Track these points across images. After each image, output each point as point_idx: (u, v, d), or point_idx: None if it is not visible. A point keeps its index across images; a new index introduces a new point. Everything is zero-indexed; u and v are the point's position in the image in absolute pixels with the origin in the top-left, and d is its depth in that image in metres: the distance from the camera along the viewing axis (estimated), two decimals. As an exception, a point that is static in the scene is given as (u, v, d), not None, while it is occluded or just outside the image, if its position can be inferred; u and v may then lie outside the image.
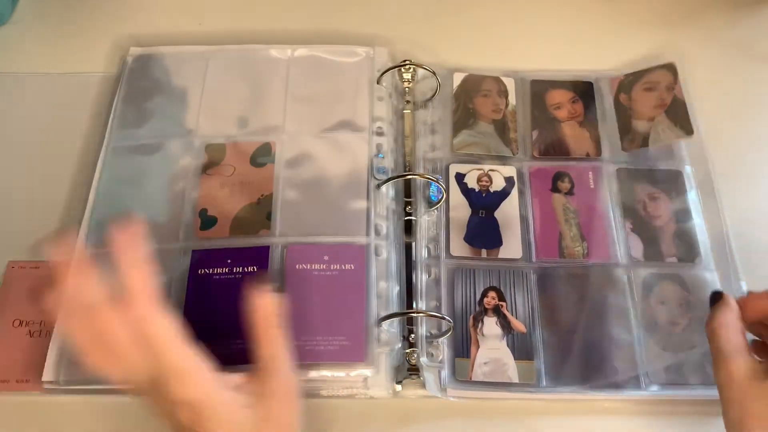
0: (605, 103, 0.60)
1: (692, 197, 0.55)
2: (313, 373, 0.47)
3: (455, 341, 0.49)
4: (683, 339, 0.48)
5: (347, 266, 0.50)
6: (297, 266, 0.50)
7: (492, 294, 0.50)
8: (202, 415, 0.36)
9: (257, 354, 0.39)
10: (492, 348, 0.48)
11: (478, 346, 0.49)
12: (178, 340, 0.38)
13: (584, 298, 0.50)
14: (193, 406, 0.36)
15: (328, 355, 0.47)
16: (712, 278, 0.51)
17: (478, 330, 0.49)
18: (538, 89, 0.60)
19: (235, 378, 0.39)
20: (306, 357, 0.46)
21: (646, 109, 0.58)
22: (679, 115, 0.57)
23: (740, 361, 0.38)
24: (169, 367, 0.37)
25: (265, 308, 0.40)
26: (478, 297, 0.50)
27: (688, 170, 0.56)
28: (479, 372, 0.48)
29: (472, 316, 0.50)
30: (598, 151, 0.57)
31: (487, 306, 0.50)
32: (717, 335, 0.40)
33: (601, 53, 0.64)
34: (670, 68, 0.60)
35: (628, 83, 0.60)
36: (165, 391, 0.36)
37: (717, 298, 0.42)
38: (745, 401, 0.37)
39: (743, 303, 0.42)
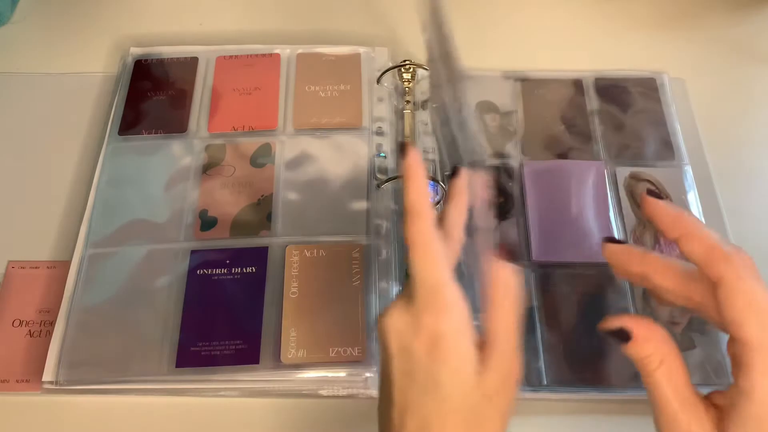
0: (593, 103, 0.60)
1: (692, 197, 0.55)
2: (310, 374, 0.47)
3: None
4: (683, 339, 0.48)
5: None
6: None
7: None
8: (442, 349, 0.33)
9: (486, 326, 0.35)
10: None
11: None
12: (448, 268, 0.35)
13: (585, 298, 0.50)
14: (438, 338, 0.33)
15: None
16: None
17: None
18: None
19: (479, 336, 0.35)
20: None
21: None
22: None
23: (685, 418, 0.33)
24: (433, 289, 0.34)
25: (507, 278, 0.36)
26: None
27: (687, 170, 0.56)
28: None
29: None
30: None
31: None
32: (650, 378, 0.35)
33: (601, 53, 0.64)
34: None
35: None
36: (422, 312, 0.34)
37: (620, 336, 0.35)
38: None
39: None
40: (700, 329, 0.48)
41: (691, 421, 0.33)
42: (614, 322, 0.35)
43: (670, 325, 0.49)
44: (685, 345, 0.48)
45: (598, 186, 0.55)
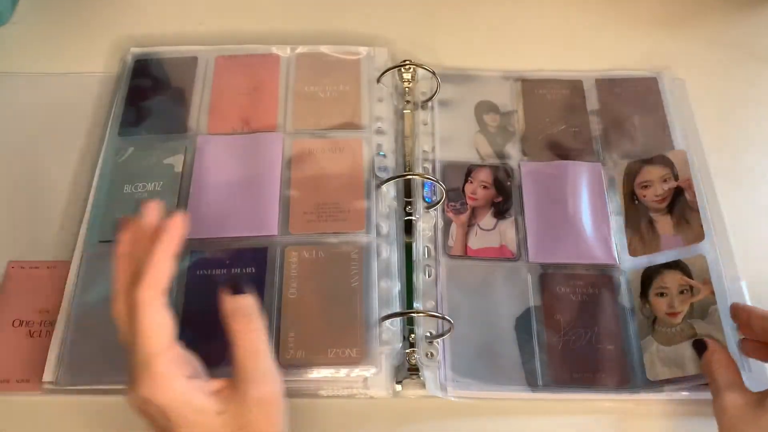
0: (593, 103, 0.60)
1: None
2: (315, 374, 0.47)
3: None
4: (684, 328, 0.48)
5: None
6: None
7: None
8: (171, 419, 0.36)
9: (233, 357, 0.38)
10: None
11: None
12: (162, 337, 0.37)
13: (582, 298, 0.50)
14: (162, 409, 0.36)
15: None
16: (714, 258, 0.51)
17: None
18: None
19: (214, 383, 0.38)
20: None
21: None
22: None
23: (734, 395, 0.42)
24: (145, 363, 0.36)
25: (241, 308, 0.39)
26: None
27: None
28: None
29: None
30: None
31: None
32: (711, 373, 0.44)
33: (601, 53, 0.64)
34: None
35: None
36: (138, 386, 0.36)
37: (702, 347, 0.45)
38: (737, 428, 0.41)
39: (747, 318, 0.45)
40: (701, 314, 0.48)
41: (732, 394, 0.42)
42: (701, 340, 0.46)
43: (669, 316, 0.49)
44: (685, 334, 0.48)
45: (595, 187, 0.55)
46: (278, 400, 0.37)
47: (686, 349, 0.47)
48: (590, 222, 0.53)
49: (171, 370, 0.36)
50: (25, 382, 0.47)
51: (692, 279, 0.49)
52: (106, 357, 0.47)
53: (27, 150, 0.58)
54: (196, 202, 0.53)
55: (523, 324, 0.50)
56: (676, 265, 0.50)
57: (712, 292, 0.48)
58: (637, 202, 0.54)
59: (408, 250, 0.52)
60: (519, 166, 0.56)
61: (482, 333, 0.49)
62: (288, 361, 0.47)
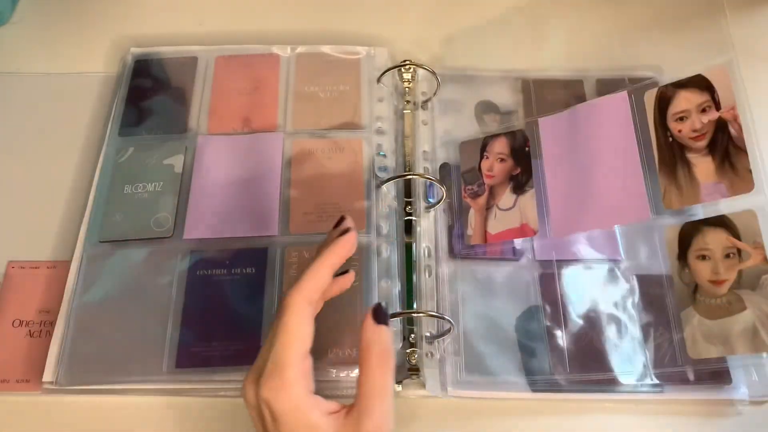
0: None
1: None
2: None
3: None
4: (731, 299, 0.41)
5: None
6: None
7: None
8: (281, 427, 0.36)
9: (359, 383, 0.37)
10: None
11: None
12: (300, 346, 0.37)
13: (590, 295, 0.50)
14: (278, 415, 0.36)
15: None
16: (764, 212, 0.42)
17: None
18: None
19: (332, 405, 0.37)
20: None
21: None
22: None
23: None
24: (279, 366, 0.36)
25: (381, 342, 0.38)
26: None
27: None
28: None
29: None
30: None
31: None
32: None
33: (600, 53, 0.64)
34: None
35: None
36: (263, 386, 0.36)
37: None
38: None
39: None
40: (750, 284, 0.41)
41: None
42: None
43: (712, 285, 0.42)
44: (734, 307, 0.41)
45: (623, 127, 0.47)
46: None
47: (734, 324, 0.39)
48: (620, 175, 0.47)
49: (300, 381, 0.36)
50: (25, 382, 0.47)
51: (740, 240, 0.41)
52: (106, 357, 0.47)
53: (27, 150, 0.58)
54: (196, 202, 0.53)
55: (523, 324, 0.50)
56: (721, 222, 0.42)
57: (765, 259, 0.41)
58: (671, 139, 0.46)
59: (408, 250, 0.52)
60: (536, 125, 0.54)
61: (483, 333, 0.49)
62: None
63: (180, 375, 0.47)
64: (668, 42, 0.65)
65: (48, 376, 0.46)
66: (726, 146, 0.43)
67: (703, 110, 0.44)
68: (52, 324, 0.48)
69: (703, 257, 0.43)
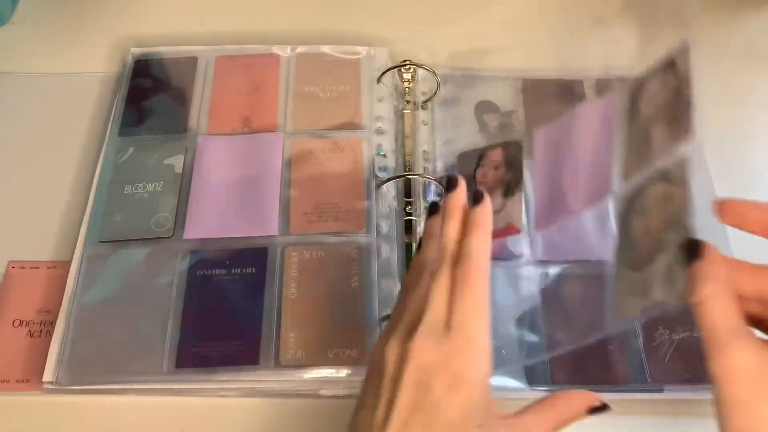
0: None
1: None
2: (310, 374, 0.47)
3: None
4: (651, 243, 0.37)
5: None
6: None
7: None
8: (460, 391, 0.32)
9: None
10: None
11: None
12: (486, 314, 0.35)
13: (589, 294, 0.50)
14: (463, 382, 0.32)
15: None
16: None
17: None
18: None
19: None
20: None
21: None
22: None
23: (744, 348, 0.28)
24: (476, 337, 0.34)
25: (481, 213, 0.37)
26: None
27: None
28: None
29: None
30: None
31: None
32: (706, 312, 0.29)
33: (599, 54, 0.64)
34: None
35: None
36: (452, 350, 0.33)
37: (695, 249, 0.31)
38: (754, 403, 0.28)
39: (736, 274, 0.32)
40: (674, 225, 0.37)
41: (743, 347, 0.28)
42: (698, 240, 0.32)
43: (643, 237, 0.39)
44: (654, 253, 0.36)
45: (606, 126, 0.47)
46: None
47: (655, 270, 0.34)
48: (593, 162, 0.48)
49: (489, 351, 0.34)
50: (25, 382, 0.47)
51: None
52: (106, 357, 0.47)
53: (27, 150, 0.58)
54: (196, 202, 0.53)
55: (524, 323, 0.50)
56: (662, 177, 0.38)
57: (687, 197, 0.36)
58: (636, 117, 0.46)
59: (408, 250, 0.52)
60: (533, 135, 0.54)
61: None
62: (288, 361, 0.47)
63: (180, 375, 0.46)
64: (668, 42, 0.65)
65: (48, 376, 0.46)
66: (677, 106, 0.41)
67: (667, 86, 0.44)
68: (52, 324, 0.48)
69: (643, 213, 0.39)
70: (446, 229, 0.38)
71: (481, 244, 0.36)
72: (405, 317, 0.35)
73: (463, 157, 0.56)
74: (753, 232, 0.34)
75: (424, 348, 0.33)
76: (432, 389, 0.32)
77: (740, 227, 0.34)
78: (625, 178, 0.41)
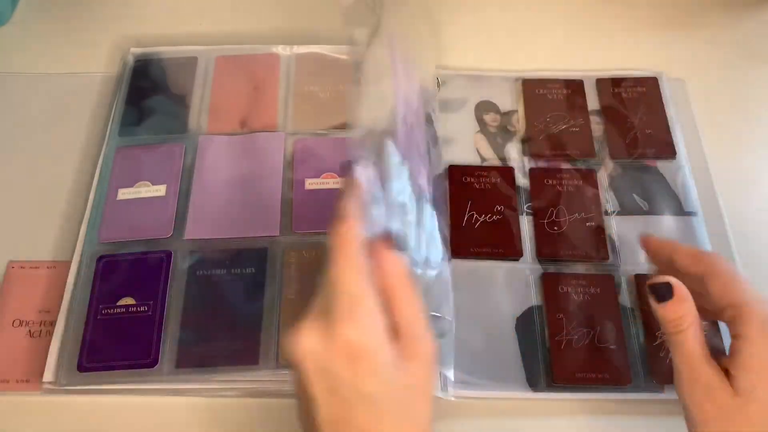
0: (593, 103, 0.60)
1: (692, 197, 0.55)
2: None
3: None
4: None
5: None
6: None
7: None
8: (361, 362, 0.32)
9: (392, 320, 0.34)
10: None
11: None
12: (369, 285, 0.34)
13: (586, 297, 0.50)
14: (359, 351, 0.32)
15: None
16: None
17: None
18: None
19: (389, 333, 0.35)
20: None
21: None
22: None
23: (708, 371, 0.38)
24: (353, 302, 0.33)
25: (396, 268, 0.35)
26: None
27: (687, 170, 0.56)
28: None
29: None
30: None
31: None
32: (679, 336, 0.39)
33: (601, 53, 0.64)
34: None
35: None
36: (340, 326, 0.32)
37: (667, 292, 0.39)
38: (724, 420, 0.37)
39: (668, 255, 0.42)
40: None
41: (711, 372, 0.38)
42: (663, 278, 0.39)
43: None
44: None
45: None
46: (435, 362, 0.36)
47: None
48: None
49: (375, 312, 0.33)
50: (25, 382, 0.47)
51: None
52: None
53: (27, 150, 0.58)
54: (196, 202, 0.53)
55: (524, 324, 0.50)
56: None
57: None
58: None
59: (408, 250, 0.52)
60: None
61: (483, 333, 0.49)
62: (288, 361, 0.47)
63: (180, 375, 0.46)
64: (668, 42, 0.65)
65: (48, 376, 0.46)
66: None
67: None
68: (52, 324, 0.48)
69: None
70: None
71: (348, 201, 0.36)
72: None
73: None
74: (662, 265, 0.43)
75: (305, 336, 0.33)
76: (332, 370, 0.32)
77: (655, 262, 0.44)
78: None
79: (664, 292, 0.39)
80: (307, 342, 0.33)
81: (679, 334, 0.38)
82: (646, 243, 0.44)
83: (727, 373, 0.38)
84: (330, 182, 0.54)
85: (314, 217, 0.52)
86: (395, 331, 0.34)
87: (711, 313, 0.40)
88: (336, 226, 0.35)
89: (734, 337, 0.38)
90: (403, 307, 0.35)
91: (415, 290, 0.36)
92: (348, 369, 0.32)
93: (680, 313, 0.38)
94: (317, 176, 0.54)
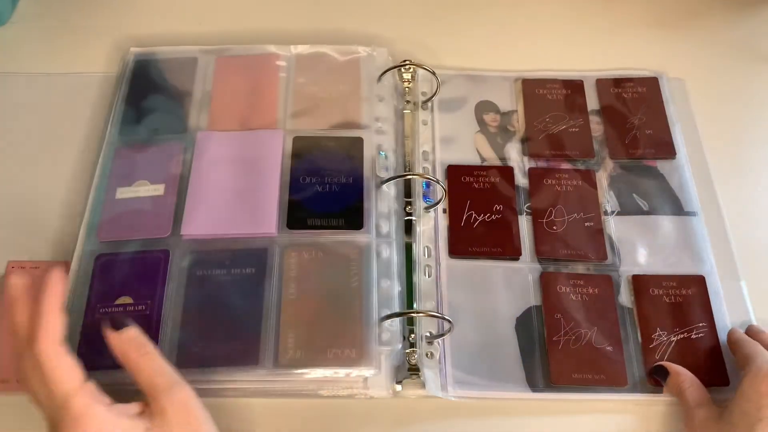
0: (593, 103, 0.60)
1: (692, 197, 0.55)
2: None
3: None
4: None
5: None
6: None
7: None
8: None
9: (138, 384, 0.40)
10: None
11: None
12: (74, 377, 0.38)
13: (584, 297, 0.50)
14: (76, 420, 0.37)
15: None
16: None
17: None
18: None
19: (133, 407, 0.39)
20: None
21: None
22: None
23: (701, 412, 0.45)
24: (64, 404, 0.37)
25: (132, 339, 0.41)
26: None
27: (687, 169, 0.56)
28: None
29: None
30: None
31: None
32: (682, 393, 0.46)
33: (601, 53, 0.64)
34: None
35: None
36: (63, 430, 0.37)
37: (663, 372, 0.47)
38: None
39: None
40: None
41: (707, 415, 0.45)
42: (660, 365, 0.48)
43: None
44: None
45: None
46: (193, 400, 0.40)
47: None
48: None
49: (91, 404, 0.37)
50: (25, 382, 0.47)
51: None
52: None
53: (27, 150, 0.58)
54: (193, 199, 0.53)
55: (523, 324, 0.50)
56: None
57: None
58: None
59: (408, 250, 0.52)
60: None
61: (482, 333, 0.49)
62: (287, 361, 0.47)
63: (180, 375, 0.46)
64: (668, 42, 0.65)
65: (48, 376, 0.46)
66: None
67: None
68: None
69: None
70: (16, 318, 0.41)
71: (21, 315, 0.40)
72: None
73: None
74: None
75: None
76: None
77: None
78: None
79: (661, 373, 0.47)
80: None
81: (681, 394, 0.46)
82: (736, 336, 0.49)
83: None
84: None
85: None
86: (145, 400, 0.39)
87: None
88: (36, 344, 0.38)
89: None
90: (143, 372, 0.40)
91: (150, 353, 0.40)
92: None
93: (679, 381, 0.47)
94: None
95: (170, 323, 0.48)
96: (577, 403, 0.48)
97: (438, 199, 0.54)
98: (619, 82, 0.61)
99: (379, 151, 0.56)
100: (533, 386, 0.47)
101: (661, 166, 0.57)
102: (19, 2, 0.66)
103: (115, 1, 0.67)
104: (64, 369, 0.38)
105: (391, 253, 0.52)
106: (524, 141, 0.58)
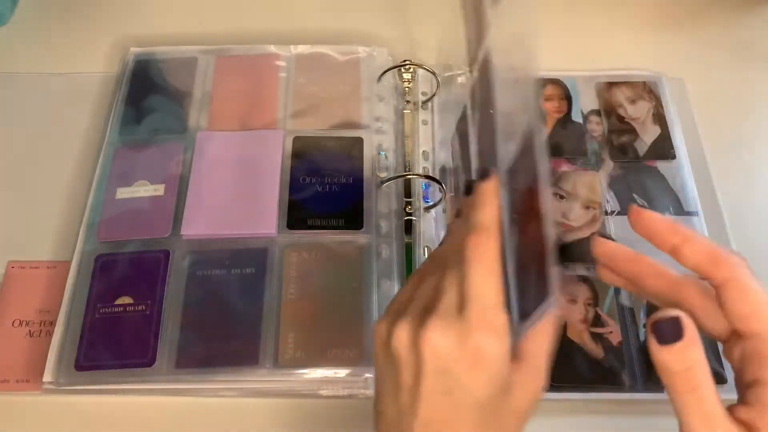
0: (592, 103, 0.60)
1: (691, 197, 0.55)
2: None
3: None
4: None
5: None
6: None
7: None
8: (481, 368, 0.31)
9: (523, 344, 0.33)
10: None
11: None
12: (497, 286, 0.33)
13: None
14: (483, 358, 0.31)
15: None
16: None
17: None
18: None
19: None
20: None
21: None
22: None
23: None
24: (494, 309, 0.32)
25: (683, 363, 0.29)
26: None
27: (687, 170, 0.56)
28: None
29: None
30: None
31: None
32: (693, 376, 0.30)
33: (601, 53, 0.64)
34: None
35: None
36: (470, 327, 0.31)
37: (670, 331, 0.29)
38: None
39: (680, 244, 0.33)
40: None
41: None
42: (669, 313, 0.30)
43: None
44: None
45: None
46: (537, 402, 0.34)
47: None
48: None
49: (507, 327, 0.32)
50: (25, 382, 0.47)
51: None
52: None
53: (27, 150, 0.58)
54: (193, 198, 0.53)
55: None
56: None
57: None
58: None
59: (408, 250, 0.52)
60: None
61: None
62: (287, 361, 0.47)
63: (180, 375, 0.46)
64: (668, 42, 0.65)
65: (48, 376, 0.46)
66: None
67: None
68: (52, 324, 0.48)
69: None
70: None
71: (489, 216, 0.34)
72: (417, 302, 0.35)
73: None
74: (661, 249, 0.34)
75: (438, 334, 0.32)
76: (453, 373, 0.32)
77: (650, 240, 0.34)
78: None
79: (671, 331, 0.29)
80: (441, 342, 0.32)
81: (693, 392, 0.29)
82: (641, 217, 0.34)
83: (747, 426, 0.29)
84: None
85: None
86: (517, 355, 0.33)
87: (708, 330, 0.33)
88: (478, 237, 0.33)
89: (755, 382, 0.30)
90: (535, 340, 0.33)
91: (553, 334, 0.33)
92: (468, 374, 0.32)
93: (689, 363, 0.29)
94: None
95: (170, 323, 0.48)
96: (578, 403, 0.48)
97: (438, 199, 0.54)
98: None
99: (379, 151, 0.56)
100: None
101: (662, 166, 0.56)
102: (19, 2, 0.66)
103: (115, 1, 0.67)
104: (500, 277, 0.33)
105: (391, 253, 0.52)
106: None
